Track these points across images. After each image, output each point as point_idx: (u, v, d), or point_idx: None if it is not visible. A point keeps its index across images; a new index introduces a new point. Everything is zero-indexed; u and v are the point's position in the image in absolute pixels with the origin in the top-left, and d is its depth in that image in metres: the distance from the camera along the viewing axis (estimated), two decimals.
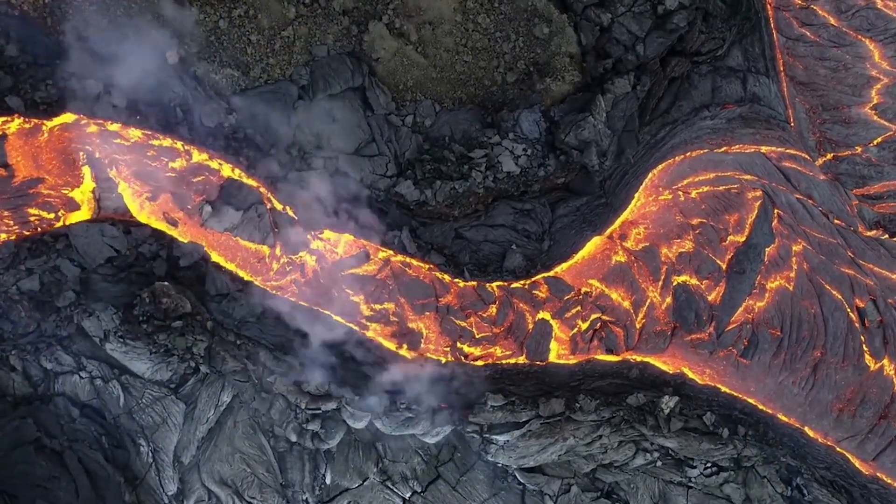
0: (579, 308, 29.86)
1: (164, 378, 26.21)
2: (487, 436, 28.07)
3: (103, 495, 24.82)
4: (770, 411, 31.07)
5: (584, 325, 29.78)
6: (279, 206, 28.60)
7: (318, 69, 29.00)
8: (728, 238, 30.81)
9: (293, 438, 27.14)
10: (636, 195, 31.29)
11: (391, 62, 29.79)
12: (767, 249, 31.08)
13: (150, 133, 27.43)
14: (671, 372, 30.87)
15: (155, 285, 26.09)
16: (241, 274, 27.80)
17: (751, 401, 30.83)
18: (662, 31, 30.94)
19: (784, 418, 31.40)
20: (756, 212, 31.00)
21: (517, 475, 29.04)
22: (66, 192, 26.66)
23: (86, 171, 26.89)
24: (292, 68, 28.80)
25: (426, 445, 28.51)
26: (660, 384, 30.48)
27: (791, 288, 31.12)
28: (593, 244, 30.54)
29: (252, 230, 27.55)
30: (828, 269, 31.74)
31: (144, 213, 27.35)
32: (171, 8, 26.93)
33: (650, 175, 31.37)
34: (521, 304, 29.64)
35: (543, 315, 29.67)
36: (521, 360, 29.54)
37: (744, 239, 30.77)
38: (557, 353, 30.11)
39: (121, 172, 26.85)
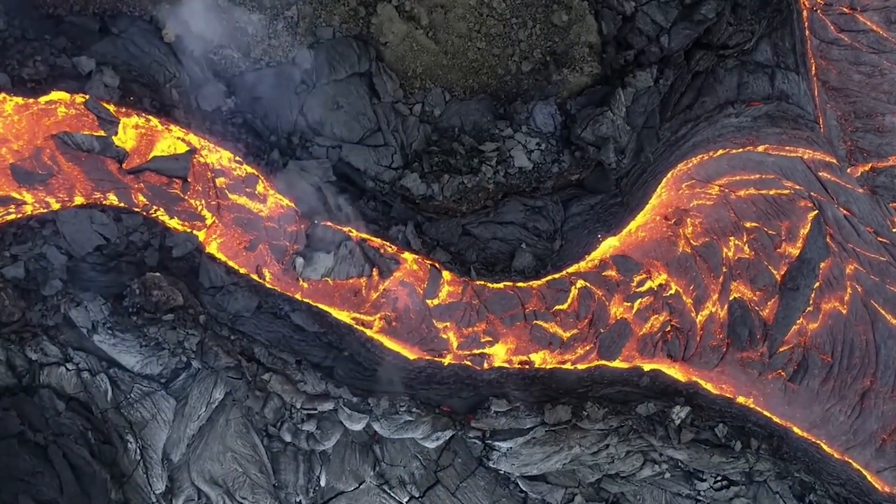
0: (652, 299, 29.99)
1: (155, 372, 26.01)
2: (490, 442, 28.00)
3: (88, 492, 24.53)
4: (813, 440, 31.16)
5: (657, 325, 29.96)
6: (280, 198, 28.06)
7: (322, 52, 28.29)
8: (782, 245, 30.98)
9: (287, 438, 27.05)
10: (654, 194, 30.68)
11: (400, 47, 29.01)
12: (822, 265, 31.03)
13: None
14: (683, 381, 30.52)
15: (146, 276, 25.63)
16: (337, 314, 27.66)
17: (796, 429, 31.05)
18: (689, 22, 30.02)
19: (799, 432, 31.10)
20: (809, 225, 31.07)
21: (519, 483, 29.09)
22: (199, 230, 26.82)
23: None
24: (295, 51, 28.04)
25: (426, 449, 28.41)
26: (671, 393, 30.28)
27: (845, 311, 31.13)
28: (652, 224, 30.46)
29: (348, 268, 27.40)
30: (881, 292, 31.72)
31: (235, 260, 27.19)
32: None
33: (669, 174, 30.78)
34: (597, 291, 29.59)
35: (621, 309, 29.76)
36: (594, 358, 29.66)
37: (797, 252, 30.95)
38: (623, 354, 30.08)
39: (222, 218, 26.92)
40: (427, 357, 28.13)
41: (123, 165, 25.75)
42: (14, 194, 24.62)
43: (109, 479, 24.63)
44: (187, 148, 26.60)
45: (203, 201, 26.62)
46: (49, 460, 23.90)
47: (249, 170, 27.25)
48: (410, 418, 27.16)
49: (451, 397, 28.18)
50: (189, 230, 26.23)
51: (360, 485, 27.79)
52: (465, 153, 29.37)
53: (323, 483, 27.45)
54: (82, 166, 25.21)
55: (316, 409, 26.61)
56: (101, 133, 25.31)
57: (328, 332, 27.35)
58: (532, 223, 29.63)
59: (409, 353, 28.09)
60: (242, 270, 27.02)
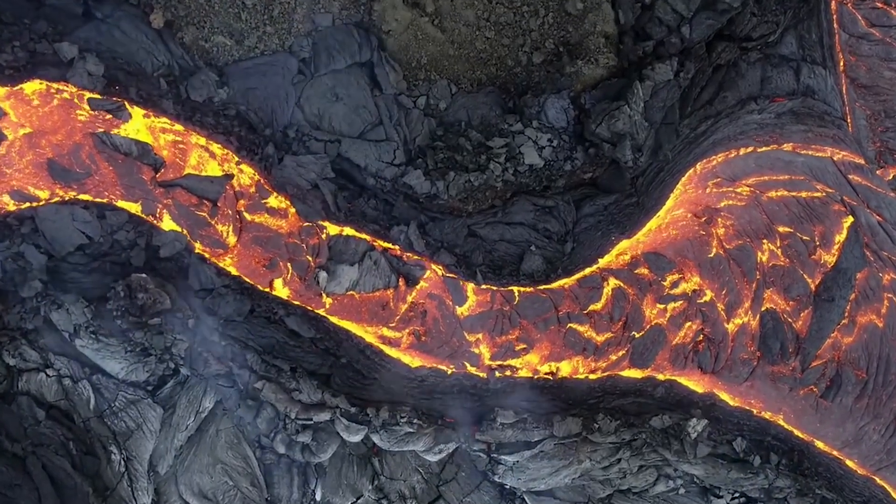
0: (686, 304, 29.15)
1: (140, 379, 25.27)
2: (495, 455, 27.46)
3: None
4: (841, 457, 30.25)
5: (690, 334, 29.24)
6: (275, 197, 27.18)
7: (321, 41, 27.80)
8: (816, 251, 30.07)
9: (281, 450, 26.44)
10: (672, 194, 29.56)
11: (403, 36, 28.39)
12: (858, 274, 29.95)
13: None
14: (700, 392, 29.44)
15: (131, 277, 24.75)
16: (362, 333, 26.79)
17: (818, 443, 30.08)
18: (712, 12, 28.96)
19: (821, 446, 30.05)
20: (845, 233, 30.04)
21: (526, 498, 28.59)
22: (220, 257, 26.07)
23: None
24: (292, 38, 27.47)
25: (427, 463, 27.82)
26: (687, 405, 29.28)
27: (881, 325, 29.95)
28: (684, 222, 29.62)
29: (374, 280, 26.75)
30: None
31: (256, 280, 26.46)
32: None
33: (688, 174, 29.63)
34: (630, 290, 28.75)
35: (655, 311, 29.01)
36: (626, 366, 28.84)
37: (832, 260, 30.06)
38: (655, 363, 29.15)
39: (241, 239, 26.10)
40: (430, 367, 27.10)
41: (157, 176, 24.96)
42: (39, 192, 23.63)
43: (91, 493, 23.94)
44: (219, 166, 25.73)
45: (230, 226, 25.73)
46: (27, 472, 23.34)
47: (257, 178, 26.36)
48: (411, 430, 26.37)
49: (455, 408, 27.32)
50: (212, 259, 25.37)
51: (357, 499, 27.23)
52: (472, 149, 28.81)
53: (318, 497, 26.88)
54: (117, 169, 24.45)
55: (311, 420, 25.89)
56: (134, 134, 24.31)
57: (325, 337, 26.44)
58: (542, 224, 28.84)
59: (412, 361, 27.08)
60: (234, 272, 26.05)
